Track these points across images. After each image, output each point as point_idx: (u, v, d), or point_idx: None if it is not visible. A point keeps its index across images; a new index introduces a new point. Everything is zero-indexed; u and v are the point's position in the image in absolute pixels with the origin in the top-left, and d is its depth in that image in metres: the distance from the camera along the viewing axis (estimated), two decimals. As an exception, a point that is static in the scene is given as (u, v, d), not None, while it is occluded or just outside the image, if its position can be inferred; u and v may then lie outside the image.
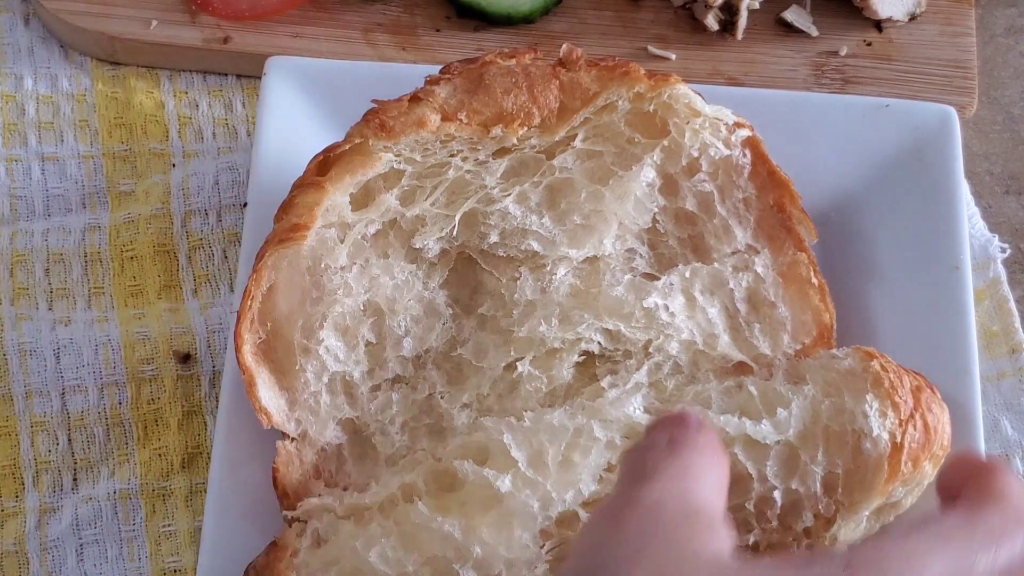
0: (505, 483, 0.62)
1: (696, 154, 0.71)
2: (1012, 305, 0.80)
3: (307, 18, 0.88)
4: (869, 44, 0.89)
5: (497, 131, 0.66)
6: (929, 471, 0.65)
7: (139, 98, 0.87)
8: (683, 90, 0.70)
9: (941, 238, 0.74)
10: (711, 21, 0.87)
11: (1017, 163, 0.88)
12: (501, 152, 0.68)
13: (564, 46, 0.69)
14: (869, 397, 0.64)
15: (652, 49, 0.88)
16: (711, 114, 0.70)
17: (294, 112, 0.77)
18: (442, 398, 0.70)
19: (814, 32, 0.89)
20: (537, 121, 0.67)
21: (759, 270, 0.71)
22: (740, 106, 0.72)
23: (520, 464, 0.63)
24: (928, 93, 0.86)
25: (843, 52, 0.88)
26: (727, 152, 0.71)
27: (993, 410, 0.77)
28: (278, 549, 0.64)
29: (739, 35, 0.88)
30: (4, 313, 0.79)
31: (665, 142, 0.70)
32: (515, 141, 0.67)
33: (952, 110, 0.78)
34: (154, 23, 0.87)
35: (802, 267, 0.71)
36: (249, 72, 0.87)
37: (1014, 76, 0.91)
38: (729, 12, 0.87)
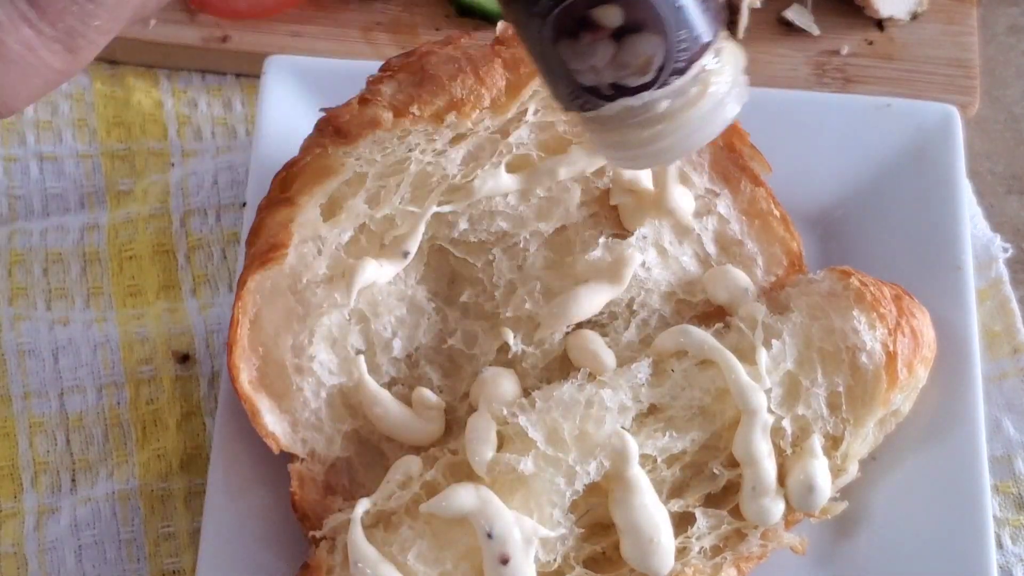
0: (527, 465, 0.63)
1: None
2: (1014, 305, 0.80)
3: (306, 17, 0.88)
4: (871, 43, 0.88)
5: (451, 118, 0.65)
6: (922, 374, 0.68)
7: (138, 97, 0.87)
8: None
9: (943, 238, 0.74)
10: (712, 20, 0.87)
11: (1019, 162, 0.88)
12: (458, 139, 0.68)
13: (499, 23, 0.69)
14: (856, 313, 0.66)
15: (653, 48, 0.87)
16: None
17: (293, 111, 0.77)
18: (440, 392, 0.70)
19: (815, 31, 0.89)
20: (487, 102, 0.66)
21: (722, 211, 0.72)
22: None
23: (539, 444, 0.64)
24: (930, 92, 0.86)
25: (844, 51, 0.88)
26: None
27: (995, 410, 0.76)
28: (311, 570, 0.64)
29: (740, 34, 0.87)
30: (2, 313, 0.79)
31: None
32: (469, 125, 0.66)
33: (954, 109, 0.78)
34: (153, 22, 0.86)
35: (762, 201, 0.72)
36: (248, 71, 0.86)
37: (1016, 75, 0.91)
38: (730, 11, 0.87)
